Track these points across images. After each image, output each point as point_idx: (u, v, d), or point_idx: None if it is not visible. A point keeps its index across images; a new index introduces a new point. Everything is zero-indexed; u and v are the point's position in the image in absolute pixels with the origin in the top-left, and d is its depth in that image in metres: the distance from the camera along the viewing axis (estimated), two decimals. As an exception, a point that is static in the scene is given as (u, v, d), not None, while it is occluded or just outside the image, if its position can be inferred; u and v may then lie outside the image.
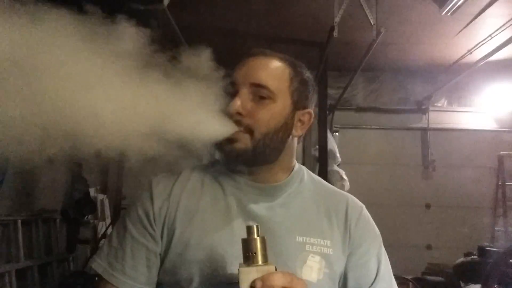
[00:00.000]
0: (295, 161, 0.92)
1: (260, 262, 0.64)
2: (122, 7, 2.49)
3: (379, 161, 4.22)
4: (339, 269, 0.84)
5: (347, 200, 0.92)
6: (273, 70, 0.84)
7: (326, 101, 3.53)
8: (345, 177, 3.63)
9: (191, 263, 0.79)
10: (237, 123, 0.80)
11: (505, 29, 3.05)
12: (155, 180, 0.89)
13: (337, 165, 3.71)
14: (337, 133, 4.25)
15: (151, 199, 0.85)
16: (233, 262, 0.78)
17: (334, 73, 4.00)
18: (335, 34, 2.51)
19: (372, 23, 2.46)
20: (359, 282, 0.86)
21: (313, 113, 0.89)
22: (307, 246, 0.82)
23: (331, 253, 0.83)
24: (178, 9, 2.47)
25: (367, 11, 2.45)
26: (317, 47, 3.40)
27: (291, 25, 3.19)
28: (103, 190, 4.02)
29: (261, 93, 0.81)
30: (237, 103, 0.79)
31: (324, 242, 0.83)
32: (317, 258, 0.82)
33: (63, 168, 3.39)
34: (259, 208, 0.84)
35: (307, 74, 0.90)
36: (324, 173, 3.36)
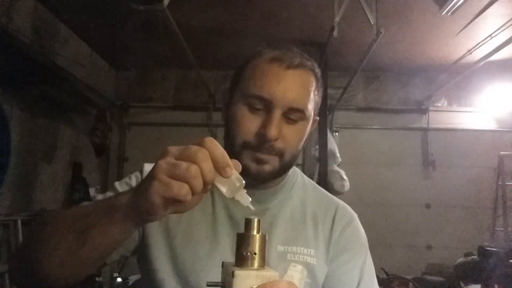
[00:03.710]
0: None
1: (257, 265, 0.53)
2: (122, 7, 2.50)
3: (379, 161, 4.21)
4: (322, 279, 0.81)
5: (337, 207, 0.87)
6: (310, 90, 0.79)
7: (326, 101, 3.53)
8: (345, 177, 3.62)
9: (172, 266, 0.78)
10: (271, 148, 0.75)
11: (505, 29, 3.05)
12: (147, 166, 0.86)
13: (337, 165, 3.71)
14: (337, 133, 4.25)
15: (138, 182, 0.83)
16: (213, 270, 0.75)
17: (334, 73, 4.00)
18: (335, 34, 2.51)
19: (372, 23, 2.46)
20: None
21: (318, 119, 0.87)
22: (288, 255, 0.79)
23: (315, 262, 0.79)
24: (178, 9, 2.46)
25: (367, 11, 2.44)
26: (317, 47, 3.40)
27: (291, 25, 3.18)
28: (103, 190, 4.02)
29: (295, 117, 0.77)
30: (275, 130, 0.73)
31: (308, 251, 0.80)
32: (299, 267, 0.78)
33: (63, 168, 3.39)
34: (246, 214, 0.80)
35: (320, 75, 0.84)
36: (324, 173, 3.36)
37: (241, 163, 0.73)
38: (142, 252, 0.83)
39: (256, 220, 0.55)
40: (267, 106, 0.75)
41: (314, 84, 0.80)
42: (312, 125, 0.85)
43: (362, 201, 3.99)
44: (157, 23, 2.51)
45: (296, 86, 0.76)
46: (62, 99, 3.19)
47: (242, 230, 0.76)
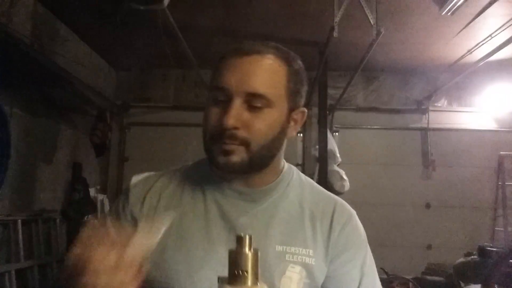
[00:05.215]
0: (284, 161, 0.88)
1: (250, 283, 0.53)
2: (122, 7, 2.50)
3: (379, 161, 4.22)
4: (321, 279, 0.80)
5: (335, 205, 0.85)
6: (270, 74, 0.76)
7: (326, 101, 3.53)
8: (345, 177, 3.63)
9: (166, 272, 0.77)
10: (232, 136, 0.73)
11: (505, 29, 3.05)
12: (134, 179, 0.87)
13: (337, 165, 3.71)
14: (337, 133, 4.25)
15: (127, 199, 0.84)
16: (208, 273, 0.75)
17: (334, 73, 4.00)
18: (335, 34, 2.51)
19: (372, 23, 2.46)
20: None
21: (306, 111, 0.84)
22: (287, 255, 0.78)
23: (313, 263, 0.78)
24: (178, 9, 2.46)
25: (367, 11, 2.45)
26: (317, 47, 3.40)
27: (291, 25, 3.19)
28: (103, 190, 4.02)
29: (257, 103, 0.74)
30: (232, 117, 0.72)
31: (306, 251, 0.78)
32: (298, 268, 0.77)
33: (63, 168, 3.39)
34: (240, 215, 0.80)
35: (301, 65, 0.82)
36: (324, 173, 3.36)
37: (212, 157, 0.77)
38: None
39: (247, 237, 0.55)
40: (227, 96, 0.74)
41: (282, 70, 0.78)
42: (298, 115, 0.82)
43: (362, 201, 3.98)
44: (157, 23, 2.51)
45: (253, 72, 0.74)
46: (62, 99, 3.19)
47: (235, 230, 0.76)
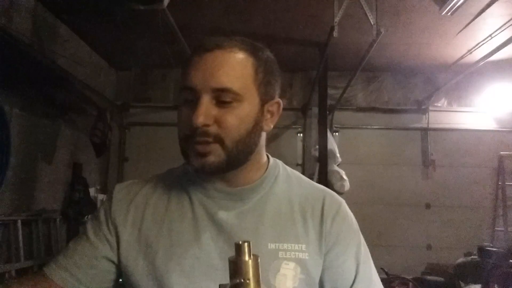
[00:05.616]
0: (266, 156, 0.87)
1: None
2: (122, 7, 2.50)
3: (379, 161, 4.22)
4: (317, 273, 0.79)
5: (324, 197, 0.84)
6: (235, 67, 0.74)
7: (326, 101, 3.53)
8: (345, 177, 3.62)
9: (158, 281, 0.76)
10: (204, 134, 0.72)
11: (505, 29, 3.05)
12: (118, 187, 0.87)
13: (337, 165, 3.71)
14: (337, 133, 4.25)
15: (110, 206, 0.83)
16: (202, 280, 0.75)
17: (334, 73, 4.00)
18: (335, 34, 2.51)
19: (372, 23, 2.46)
20: (336, 285, 0.80)
21: (281, 102, 0.83)
22: (280, 253, 0.77)
23: (307, 257, 0.78)
24: (178, 9, 2.46)
25: (367, 11, 2.45)
26: (317, 47, 3.40)
27: (291, 25, 3.19)
28: (103, 190, 4.02)
29: (225, 98, 0.73)
30: (200, 115, 0.71)
31: (299, 246, 0.78)
32: (292, 264, 0.76)
33: (63, 168, 3.39)
34: (229, 215, 0.79)
35: (269, 55, 0.81)
36: (324, 173, 3.36)
37: (188, 159, 0.76)
38: (126, 279, 0.80)
39: (246, 244, 0.53)
40: (195, 95, 0.74)
41: (247, 62, 0.76)
42: (273, 107, 0.81)
43: (362, 201, 3.99)
44: (157, 23, 2.51)
45: (217, 67, 0.73)
46: (62, 99, 3.19)
47: (225, 232, 0.76)
